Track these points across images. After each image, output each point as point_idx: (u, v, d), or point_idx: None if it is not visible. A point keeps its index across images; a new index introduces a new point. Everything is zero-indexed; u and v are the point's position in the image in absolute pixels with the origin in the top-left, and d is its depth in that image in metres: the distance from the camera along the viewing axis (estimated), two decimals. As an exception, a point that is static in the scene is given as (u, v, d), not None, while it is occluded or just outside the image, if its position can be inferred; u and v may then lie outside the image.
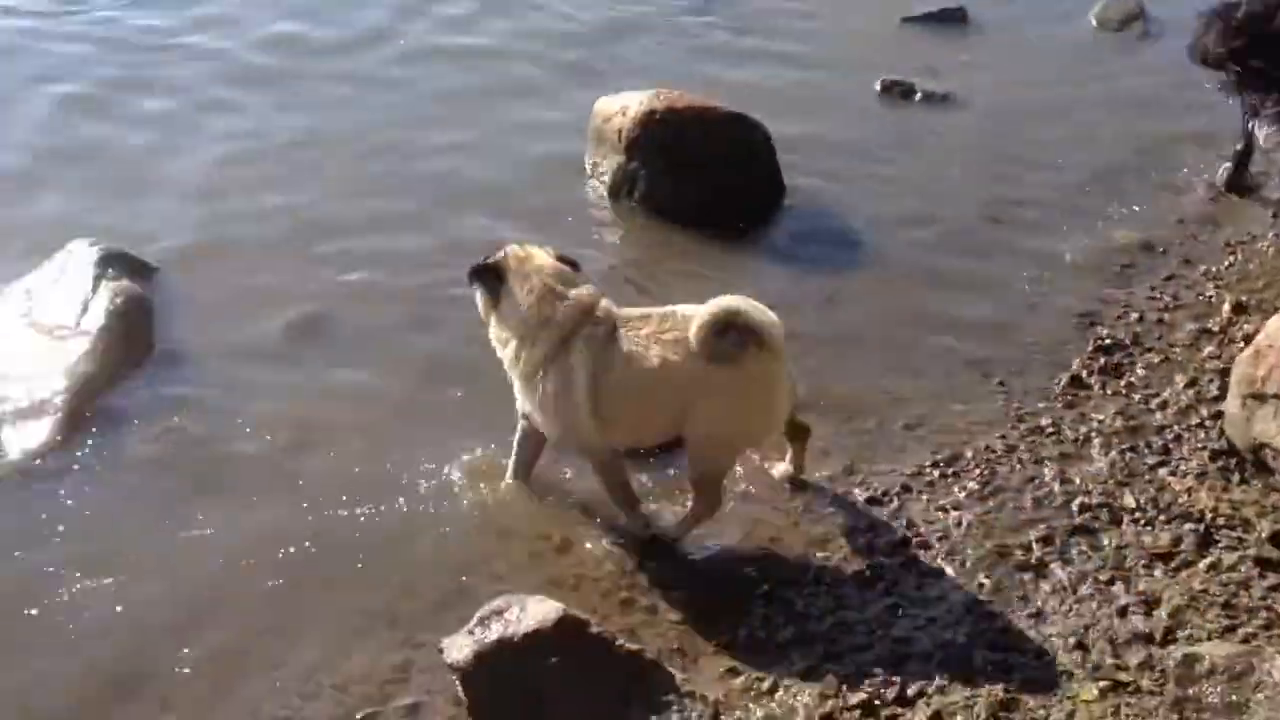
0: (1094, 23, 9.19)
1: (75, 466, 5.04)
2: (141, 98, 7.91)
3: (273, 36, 8.80)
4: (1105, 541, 4.75)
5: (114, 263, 5.89)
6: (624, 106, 7.16)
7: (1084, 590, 4.53)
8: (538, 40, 8.73)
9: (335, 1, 9.32)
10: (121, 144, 7.49)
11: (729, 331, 4.42)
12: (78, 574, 4.56)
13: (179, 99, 7.95)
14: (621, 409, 4.58)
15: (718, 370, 4.44)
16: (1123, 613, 4.41)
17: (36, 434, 5.10)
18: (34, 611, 4.43)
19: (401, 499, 4.95)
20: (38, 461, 5.05)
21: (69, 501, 4.90)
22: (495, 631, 3.96)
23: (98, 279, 5.75)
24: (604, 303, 4.68)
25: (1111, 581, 4.56)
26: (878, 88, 8.28)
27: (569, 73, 8.32)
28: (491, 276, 4.75)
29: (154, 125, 7.73)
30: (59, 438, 5.10)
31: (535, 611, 3.98)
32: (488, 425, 5.18)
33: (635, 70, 8.13)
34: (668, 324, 4.55)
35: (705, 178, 6.92)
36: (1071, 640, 4.29)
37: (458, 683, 3.99)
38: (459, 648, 3.97)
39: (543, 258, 4.82)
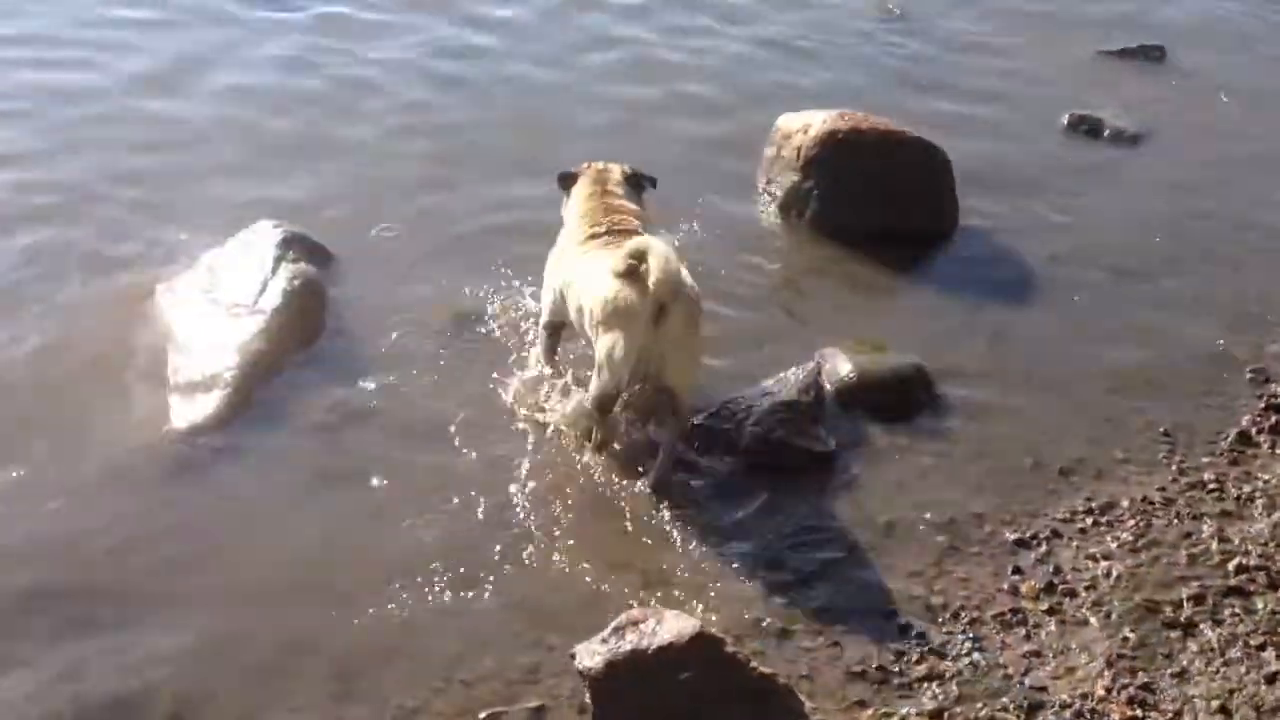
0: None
1: (232, 446, 5.14)
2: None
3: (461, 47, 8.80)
4: (1260, 605, 4.62)
5: (295, 245, 6.05)
6: (806, 124, 7.19)
7: (1233, 653, 4.42)
8: (719, 58, 8.73)
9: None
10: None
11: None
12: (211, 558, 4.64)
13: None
14: None
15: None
16: (1271, 680, 4.31)
17: (203, 407, 5.26)
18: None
19: (553, 501, 4.99)
20: (200, 438, 5.15)
21: (224, 480, 5.01)
22: (630, 642, 3.96)
23: (278, 260, 5.92)
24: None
25: (1263, 647, 4.44)
26: (1065, 121, 8.13)
27: (748, 91, 8.29)
28: (570, 180, 5.77)
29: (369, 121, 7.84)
30: (223, 414, 5.24)
31: (671, 626, 3.98)
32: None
33: (819, 92, 8.09)
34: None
35: (880, 202, 6.91)
36: (1215, 703, 4.19)
37: (586, 690, 4.02)
38: (591, 655, 3.98)
39: (614, 171, 5.76)
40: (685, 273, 5.09)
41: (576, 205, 5.70)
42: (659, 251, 4.92)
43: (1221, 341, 6.26)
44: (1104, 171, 7.76)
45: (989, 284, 6.68)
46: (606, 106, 8.06)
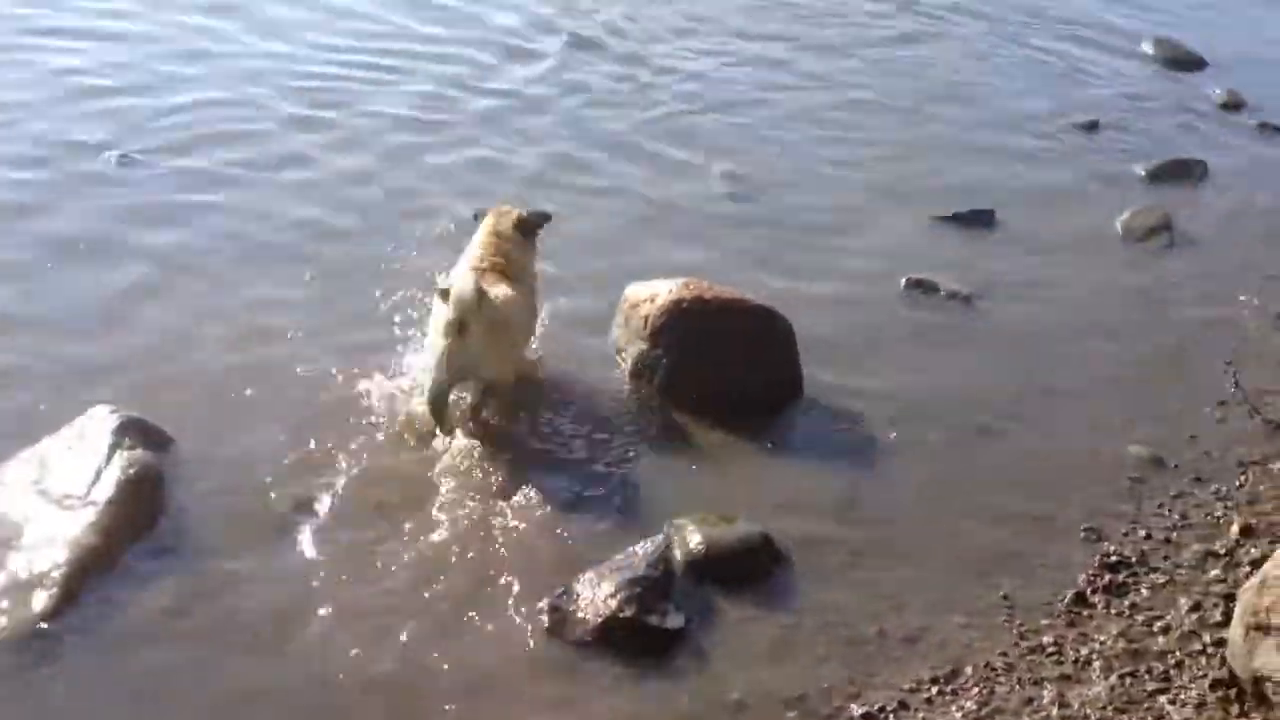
0: (1120, 230, 9.36)
1: (55, 652, 4.93)
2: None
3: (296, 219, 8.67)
4: (1100, 772, 4.74)
5: (131, 430, 5.90)
6: (653, 294, 7.34)
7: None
8: (564, 239, 8.84)
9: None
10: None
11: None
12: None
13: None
14: None
15: None
16: None
17: (28, 609, 5.04)
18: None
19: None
20: (21, 643, 4.92)
21: (45, 693, 4.79)
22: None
23: (113, 448, 5.77)
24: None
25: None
26: (902, 285, 8.44)
27: (600, 266, 8.34)
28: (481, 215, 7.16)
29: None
30: (48, 616, 5.02)
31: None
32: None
33: (669, 265, 8.29)
34: None
35: (725, 370, 7.04)
36: None
37: None
38: None
39: (511, 215, 7.11)
40: (494, 294, 6.49)
41: (473, 240, 7.06)
42: (457, 284, 6.36)
43: (1054, 500, 6.44)
44: (942, 332, 8.03)
45: (834, 449, 6.82)
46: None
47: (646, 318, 7.28)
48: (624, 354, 7.35)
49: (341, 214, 8.57)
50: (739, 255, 8.60)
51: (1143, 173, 10.24)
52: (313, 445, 6.20)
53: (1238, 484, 6.62)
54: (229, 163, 8.99)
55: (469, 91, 10.58)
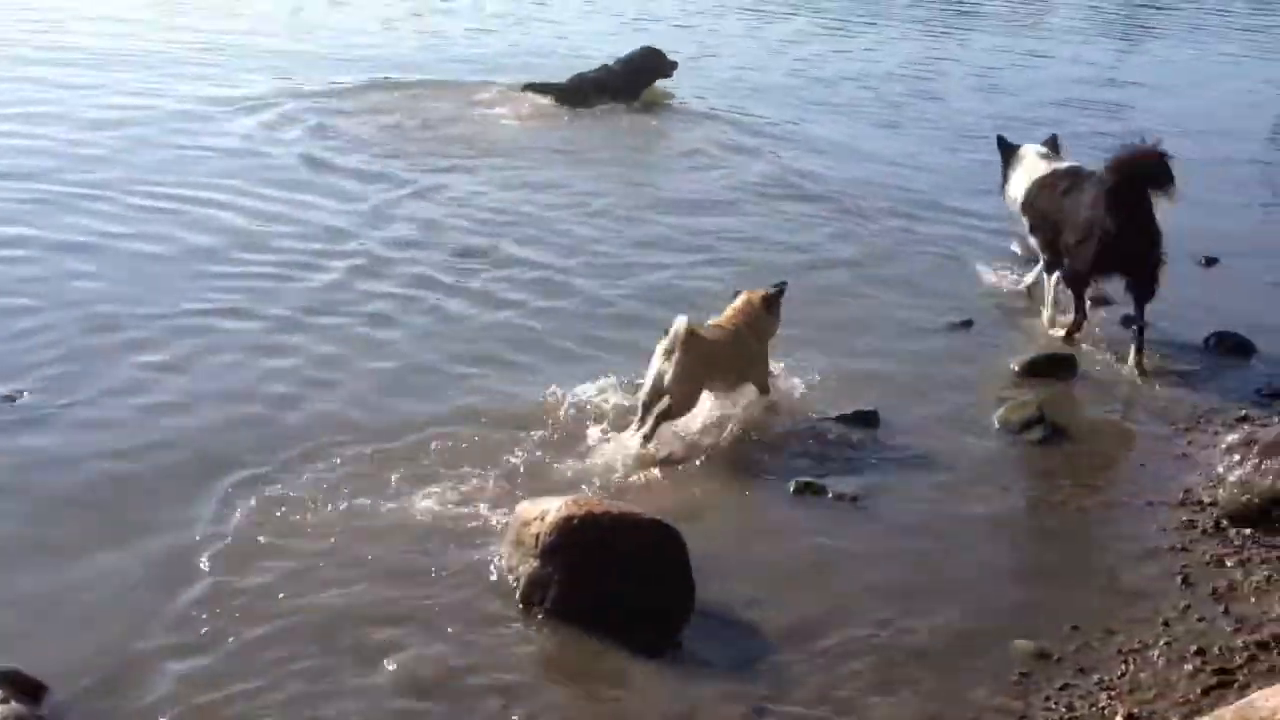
0: (996, 424, 9.73)
1: None
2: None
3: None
4: None
5: (2, 684, 5.76)
6: (543, 511, 7.45)
7: None
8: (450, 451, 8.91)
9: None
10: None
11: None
12: None
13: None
14: None
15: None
16: None
17: None
18: None
19: None
20: None
21: None
22: None
23: None
24: None
25: None
26: (791, 489, 8.66)
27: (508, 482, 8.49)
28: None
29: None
30: None
31: None
32: None
33: (560, 481, 8.46)
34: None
35: (618, 585, 7.10)
36: None
37: None
38: None
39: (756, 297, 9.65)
40: (701, 334, 8.98)
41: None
42: (676, 324, 8.75)
43: (943, 702, 6.55)
44: (831, 534, 8.21)
45: (732, 662, 6.86)
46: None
47: (537, 536, 7.35)
48: (514, 573, 7.39)
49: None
50: (629, 464, 8.77)
51: (1016, 367, 10.67)
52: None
53: (1119, 673, 6.79)
54: None
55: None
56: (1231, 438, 8.36)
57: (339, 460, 8.47)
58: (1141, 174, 10.34)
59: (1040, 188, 11.55)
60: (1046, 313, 11.50)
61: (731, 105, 19.12)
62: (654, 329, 9.45)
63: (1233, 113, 21.97)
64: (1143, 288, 10.66)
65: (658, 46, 19.92)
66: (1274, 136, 22.09)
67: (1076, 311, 11.16)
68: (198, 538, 7.55)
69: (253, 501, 7.92)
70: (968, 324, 11.55)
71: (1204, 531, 8.13)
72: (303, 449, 8.59)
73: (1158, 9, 32.59)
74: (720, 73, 21.33)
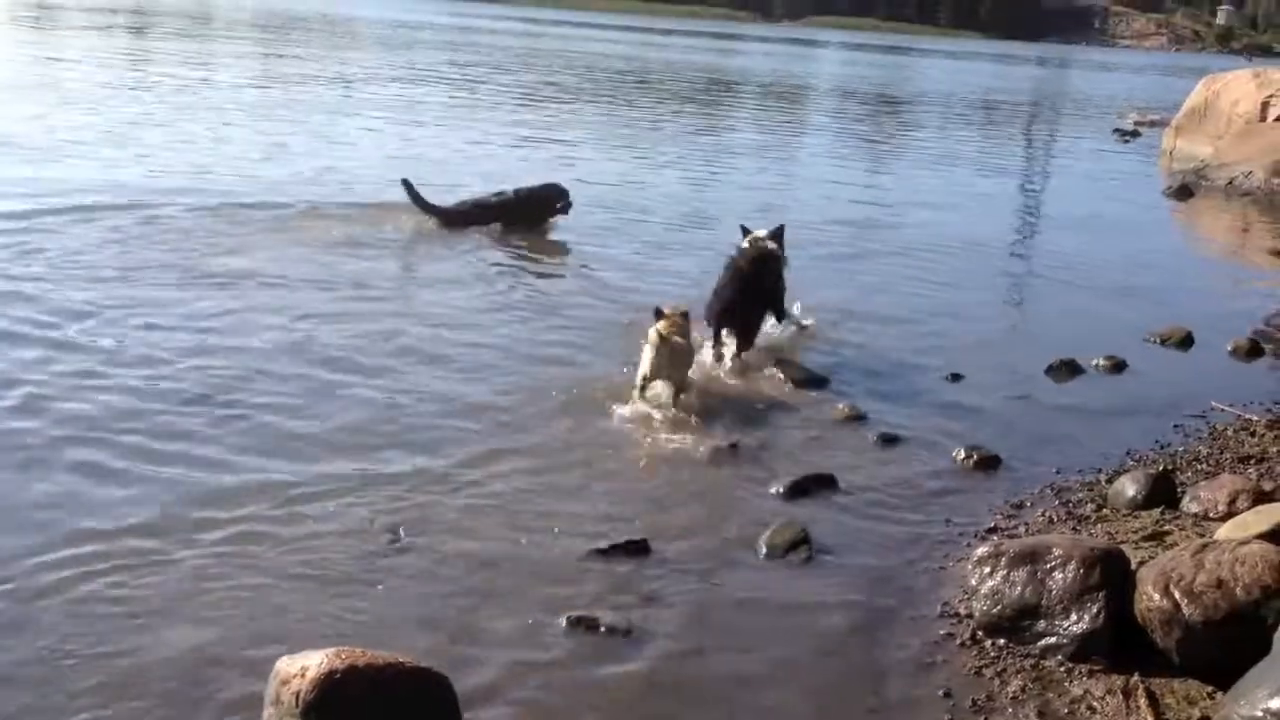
0: (763, 549, 9.86)
1: None
2: None
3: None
4: None
5: None
6: (304, 667, 7.13)
7: None
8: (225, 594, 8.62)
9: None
10: None
11: None
12: None
13: None
14: None
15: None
16: None
17: None
18: None
19: None
20: None
21: None
22: None
23: None
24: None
25: None
26: (564, 624, 8.55)
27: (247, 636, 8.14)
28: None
29: None
30: None
31: None
32: None
33: (318, 632, 8.14)
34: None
35: (384, 740, 6.89)
36: None
37: None
38: None
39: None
40: (672, 339, 12.24)
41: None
42: (653, 331, 12.18)
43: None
44: (606, 667, 8.13)
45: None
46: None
47: (298, 694, 7.03)
48: (278, 734, 7.04)
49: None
50: (391, 610, 8.54)
51: (780, 489, 10.90)
52: None
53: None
54: None
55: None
56: (982, 550, 8.62)
57: None
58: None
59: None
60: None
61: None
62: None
63: (975, 227, 23.56)
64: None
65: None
66: (1014, 249, 23.67)
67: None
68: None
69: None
70: (733, 447, 11.77)
71: (962, 644, 8.37)
72: None
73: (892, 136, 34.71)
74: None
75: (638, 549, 9.67)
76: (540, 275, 18.21)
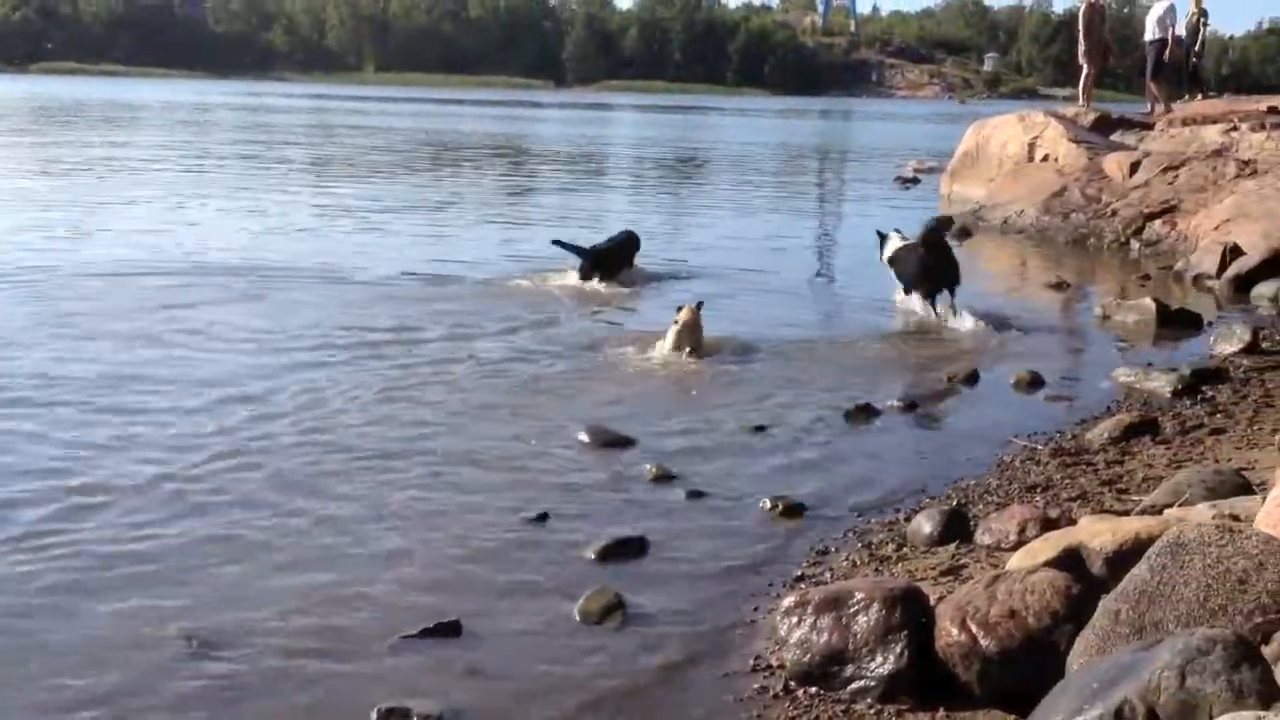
0: (578, 616, 9.81)
1: None
2: None
3: None
4: None
5: None
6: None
7: None
8: None
9: None
10: None
11: None
12: None
13: None
14: None
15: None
16: None
17: None
18: None
19: None
20: None
21: None
22: None
23: None
24: None
25: None
26: (374, 717, 8.30)
27: None
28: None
29: None
30: None
31: None
32: None
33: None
34: None
35: None
36: None
37: None
38: None
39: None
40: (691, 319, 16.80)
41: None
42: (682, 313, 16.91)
43: None
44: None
45: None
46: None
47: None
48: None
49: None
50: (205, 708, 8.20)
51: (592, 555, 10.90)
52: None
53: None
54: None
55: None
56: (789, 600, 8.74)
57: None
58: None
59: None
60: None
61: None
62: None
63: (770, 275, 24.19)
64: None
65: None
66: (804, 292, 24.33)
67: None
68: None
69: None
70: (543, 517, 11.72)
71: (775, 695, 8.44)
72: None
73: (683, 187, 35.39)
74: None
75: (452, 629, 9.51)
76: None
